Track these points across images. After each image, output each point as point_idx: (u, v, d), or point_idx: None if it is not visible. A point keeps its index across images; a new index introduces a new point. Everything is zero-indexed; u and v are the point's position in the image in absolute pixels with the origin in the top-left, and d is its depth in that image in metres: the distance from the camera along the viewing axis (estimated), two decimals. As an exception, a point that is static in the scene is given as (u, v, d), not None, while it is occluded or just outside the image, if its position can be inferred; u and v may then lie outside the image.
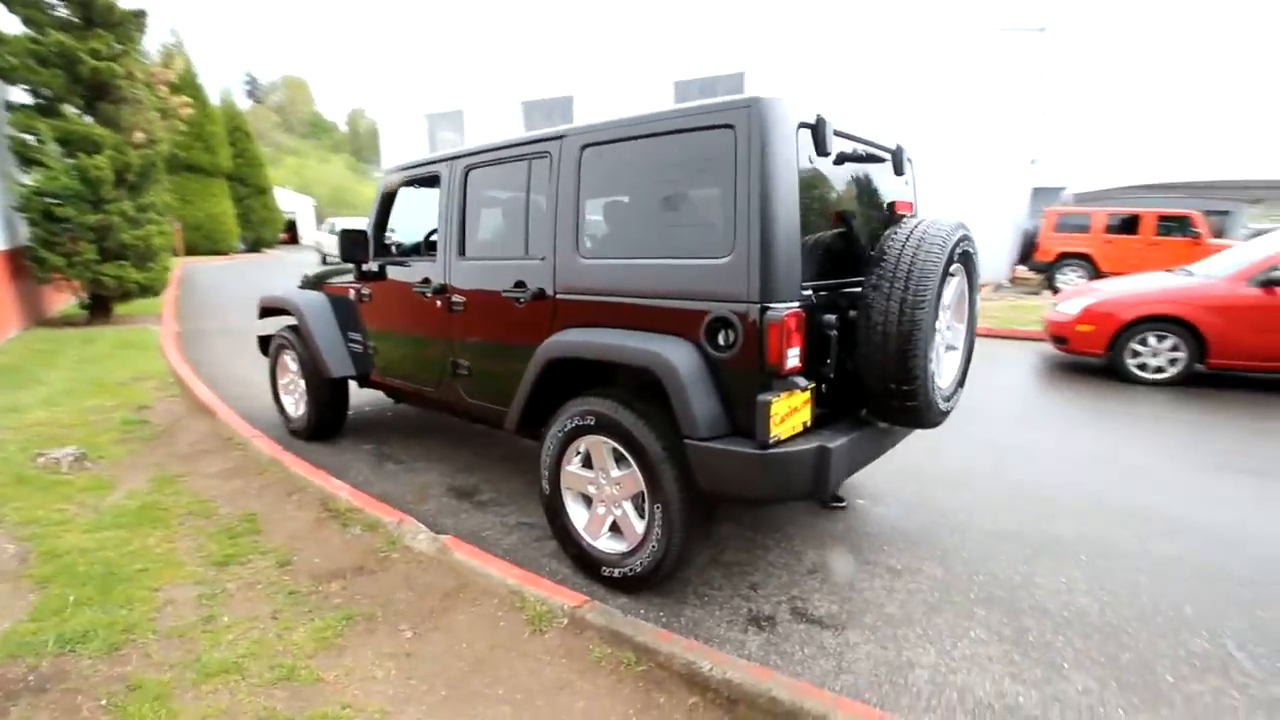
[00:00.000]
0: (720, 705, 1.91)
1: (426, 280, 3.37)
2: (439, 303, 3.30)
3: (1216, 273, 5.67)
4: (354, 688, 2.00)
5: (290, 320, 4.55)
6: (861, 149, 2.64)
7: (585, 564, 2.67)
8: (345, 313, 4.13)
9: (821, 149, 2.32)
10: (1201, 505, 3.39)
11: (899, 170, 2.91)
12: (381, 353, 3.87)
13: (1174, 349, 5.59)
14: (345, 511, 3.13)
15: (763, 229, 2.11)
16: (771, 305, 2.12)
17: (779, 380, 2.15)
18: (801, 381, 2.17)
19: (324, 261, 23.06)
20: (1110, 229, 12.45)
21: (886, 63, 16.86)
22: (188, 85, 20.35)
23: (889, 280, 2.26)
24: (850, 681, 2.07)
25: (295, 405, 4.56)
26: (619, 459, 2.54)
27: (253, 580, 2.60)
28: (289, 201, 37.17)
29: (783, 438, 2.14)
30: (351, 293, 4.01)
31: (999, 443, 4.32)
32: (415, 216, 4.05)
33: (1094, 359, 6.16)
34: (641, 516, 2.52)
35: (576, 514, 2.72)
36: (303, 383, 4.39)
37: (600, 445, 2.57)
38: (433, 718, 1.88)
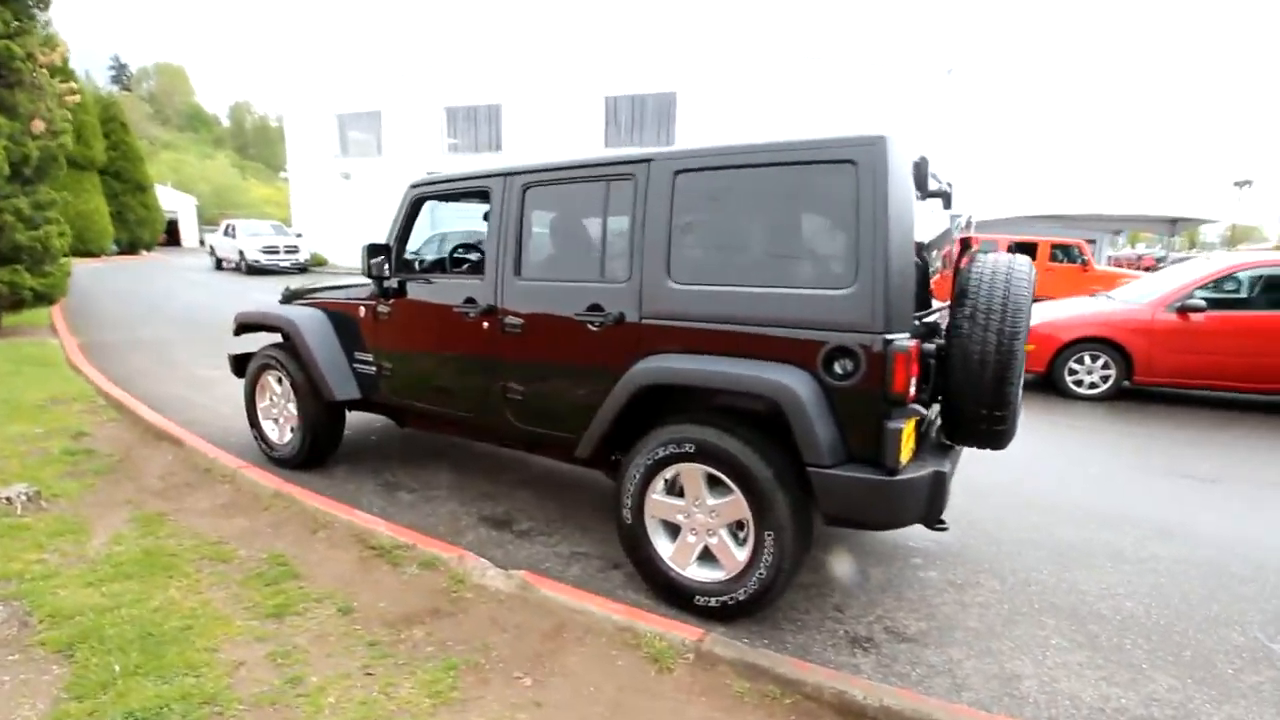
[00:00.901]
0: (879, 730, 1.94)
1: (471, 300, 3.20)
2: (486, 324, 3.15)
3: (1137, 299, 6.43)
4: (498, 745, 1.86)
5: (273, 338, 4.18)
6: (936, 186, 2.79)
7: (673, 594, 2.62)
8: (350, 331, 3.84)
9: (922, 187, 2.44)
10: (1171, 509, 3.82)
11: (948, 205, 3.11)
12: (399, 375, 3.62)
13: (1105, 367, 6.27)
14: (392, 549, 2.90)
15: (887, 262, 2.19)
16: (894, 336, 2.20)
17: (899, 408, 2.23)
18: (920, 409, 2.27)
19: (218, 266, 21.20)
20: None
21: (807, 94, 17.82)
22: (63, 70, 18.19)
23: (985, 312, 2.40)
24: (973, 697, 2.16)
25: (279, 431, 4.17)
26: (713, 486, 2.53)
27: (320, 632, 2.35)
28: (170, 200, 33.95)
29: (904, 463, 2.22)
30: (363, 310, 3.73)
31: (979, 456, 4.66)
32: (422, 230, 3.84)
33: (1034, 376, 6.79)
34: (740, 544, 2.51)
35: (661, 544, 2.67)
36: (292, 406, 4.03)
37: (695, 473, 2.54)
38: (600, 771, 1.78)
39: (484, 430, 3.43)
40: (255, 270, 19.51)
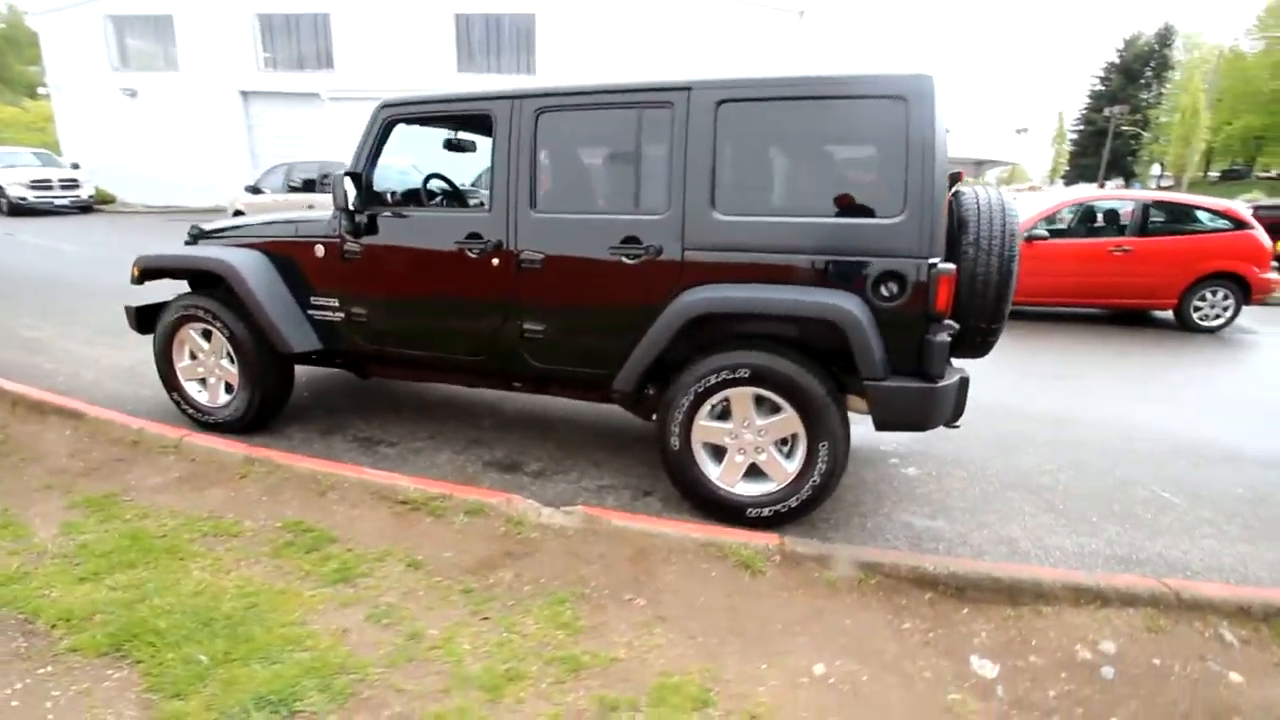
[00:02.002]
0: (952, 594, 2.30)
1: (476, 236, 2.99)
2: (496, 261, 2.98)
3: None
4: (653, 656, 1.94)
5: (181, 287, 3.61)
6: None
7: (723, 511, 2.79)
8: (303, 274, 3.41)
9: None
10: (1055, 403, 4.69)
11: None
12: (376, 321, 3.30)
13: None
14: (427, 501, 2.75)
15: (933, 192, 2.43)
16: (935, 260, 2.47)
17: (937, 325, 2.53)
18: (954, 325, 2.58)
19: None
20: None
21: (667, 30, 17.72)
22: None
23: (987, 239, 2.75)
24: (995, 558, 2.62)
25: (211, 392, 3.65)
26: (759, 407, 2.70)
27: (405, 589, 2.22)
28: None
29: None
30: (320, 249, 3.32)
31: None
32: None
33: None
34: (787, 457, 2.73)
35: (709, 466, 2.81)
36: (226, 363, 3.54)
37: (745, 396, 2.69)
38: (756, 663, 1.95)
39: (489, 373, 3.28)
40: (20, 210, 15.86)
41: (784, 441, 2.74)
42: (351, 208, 3.07)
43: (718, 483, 2.80)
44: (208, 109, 19.63)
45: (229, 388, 3.64)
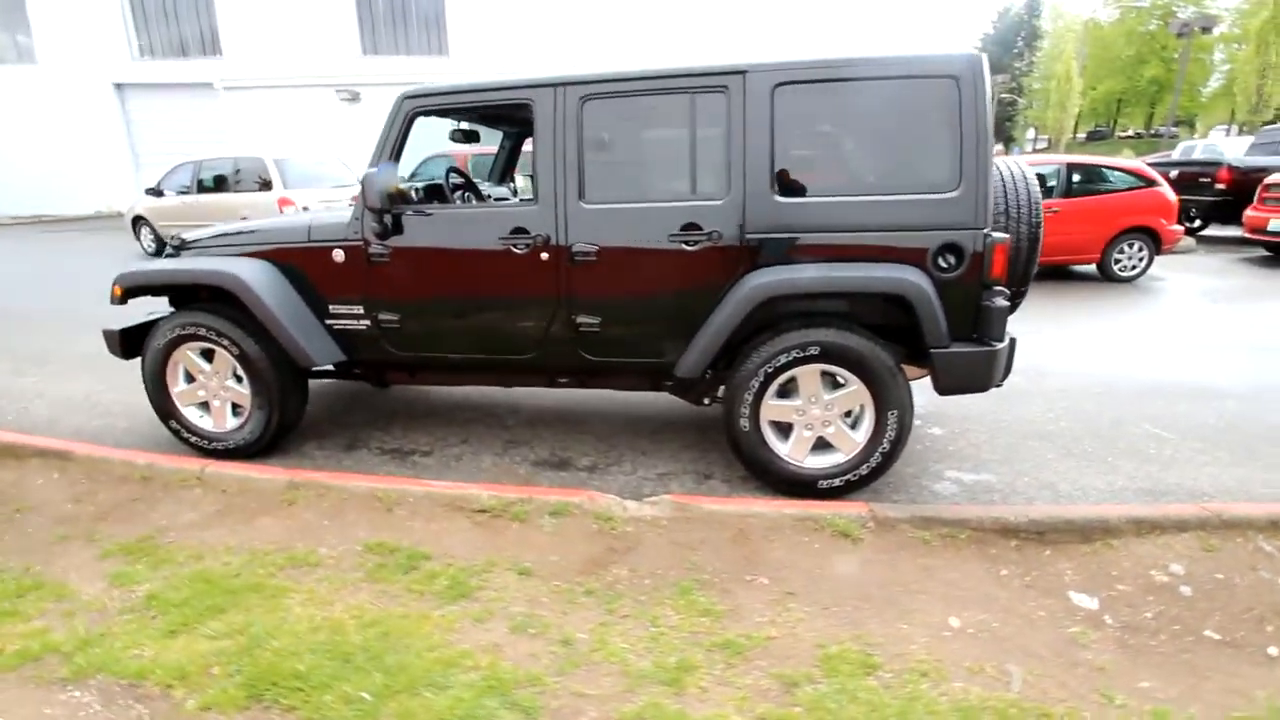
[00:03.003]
0: (1034, 539, 2.48)
1: (521, 231, 2.90)
2: (546, 256, 2.90)
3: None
4: (801, 630, 2.00)
5: (160, 307, 3.33)
6: None
7: (794, 485, 2.88)
8: (318, 282, 3.19)
9: None
10: (1033, 355, 5.07)
11: None
12: (412, 326, 3.13)
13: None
14: (506, 507, 2.67)
15: (986, 166, 2.57)
16: (990, 230, 2.63)
17: (992, 291, 2.70)
18: (1007, 290, 2.76)
19: None
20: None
21: (582, 4, 17.41)
22: None
23: (1015, 208, 2.95)
24: (1044, 500, 2.85)
25: (217, 416, 3.37)
26: (824, 382, 2.80)
27: (529, 597, 2.16)
28: None
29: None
30: (340, 254, 3.12)
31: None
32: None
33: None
34: (854, 428, 2.84)
35: (777, 444, 2.89)
36: (234, 383, 3.28)
37: (813, 373, 2.78)
38: (896, 624, 2.04)
39: (537, 371, 3.20)
40: None
41: (848, 414, 2.85)
42: (382, 207, 2.89)
43: (787, 459, 2.88)
44: (75, 105, 17.57)
45: (236, 410, 3.38)
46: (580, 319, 2.95)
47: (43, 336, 5.92)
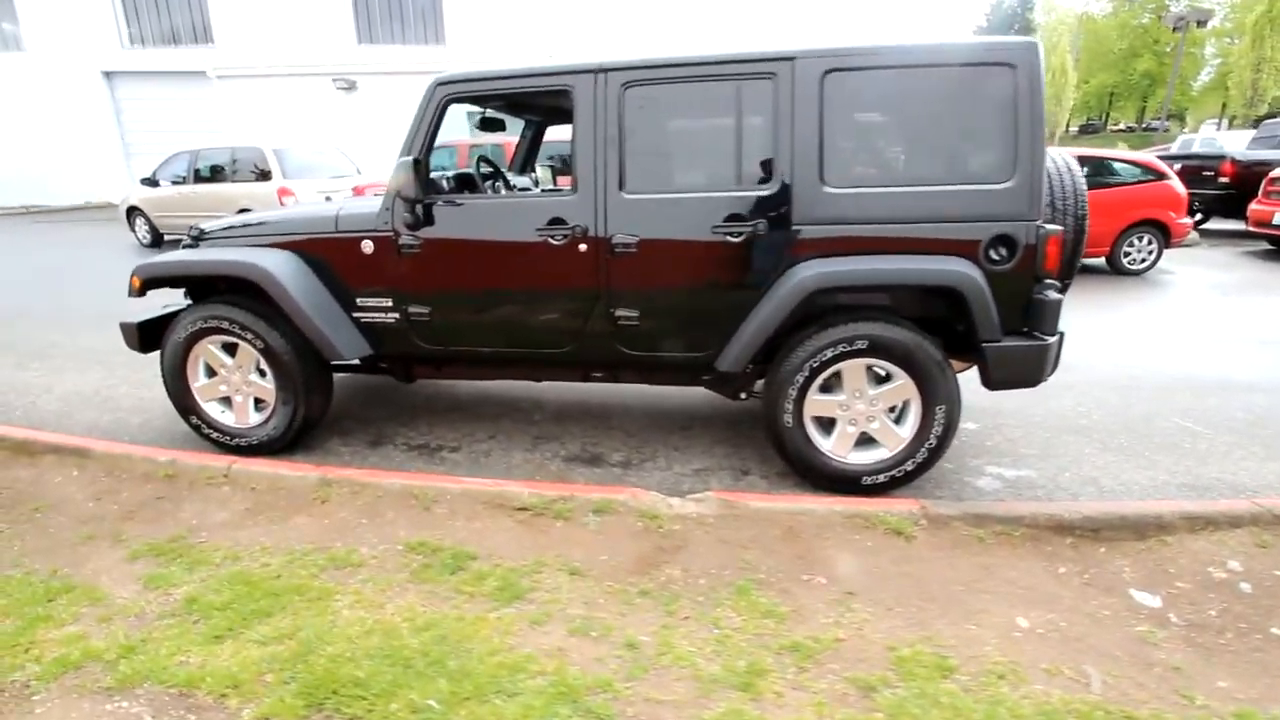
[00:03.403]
0: (1089, 536, 2.45)
1: (559, 221, 2.82)
2: (584, 247, 2.82)
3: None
4: (869, 632, 1.96)
5: (178, 300, 3.27)
6: None
7: (837, 482, 2.83)
8: (345, 274, 3.10)
9: None
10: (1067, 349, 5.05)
11: None
12: (444, 319, 3.05)
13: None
14: (547, 505, 2.61)
15: (1040, 156, 2.52)
16: (1043, 222, 2.58)
17: (1043, 284, 2.65)
18: (1058, 282, 2.71)
19: None
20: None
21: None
22: None
23: (1063, 200, 2.90)
24: (1088, 496, 2.82)
25: (239, 411, 3.28)
26: (870, 377, 2.75)
27: (584, 599, 2.10)
28: None
29: (1050, 330, 2.67)
30: (368, 245, 3.03)
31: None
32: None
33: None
34: (898, 423, 2.80)
35: (820, 440, 2.84)
36: (257, 377, 3.19)
37: (859, 367, 2.72)
38: (964, 625, 2.00)
39: (572, 365, 3.13)
40: None
41: (892, 409, 2.80)
42: (416, 197, 2.80)
43: (831, 455, 2.83)
44: (65, 93, 17.22)
45: (259, 405, 3.29)
46: (619, 312, 2.88)
47: (45, 330, 5.78)
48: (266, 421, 3.23)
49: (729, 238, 2.71)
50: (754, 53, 2.62)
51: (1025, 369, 2.66)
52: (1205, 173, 10.38)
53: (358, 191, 10.21)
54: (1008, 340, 2.62)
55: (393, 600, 2.10)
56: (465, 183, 3.36)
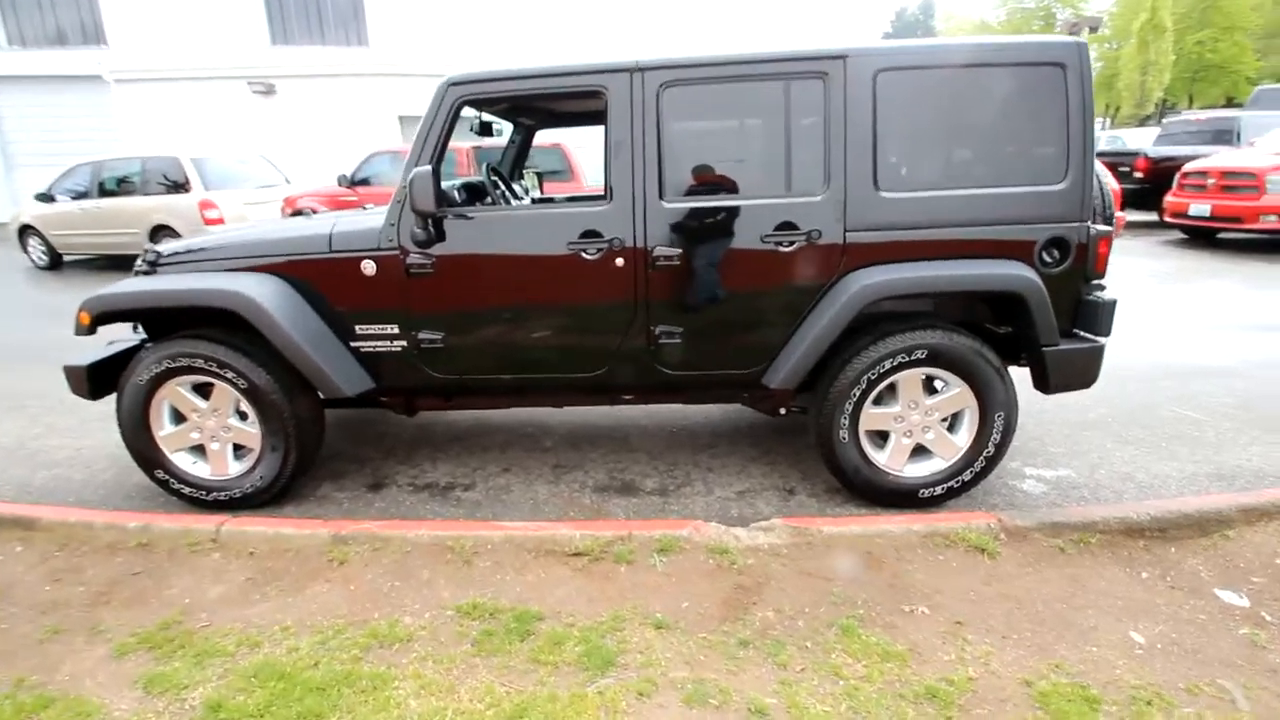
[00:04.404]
0: (1158, 537, 2.43)
1: (593, 234, 2.58)
2: (621, 261, 2.59)
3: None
4: (996, 665, 1.83)
5: (126, 336, 2.84)
6: None
7: (893, 496, 2.73)
8: (337, 299, 2.74)
9: None
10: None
11: None
12: (458, 346, 2.74)
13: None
14: (604, 548, 2.36)
15: (1091, 157, 2.49)
16: (1093, 223, 2.55)
17: (1091, 285, 2.63)
18: (1105, 283, 2.69)
19: None
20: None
21: (515, -6, 16.79)
22: None
23: (1099, 199, 2.90)
24: (1130, 492, 2.83)
25: (216, 461, 2.86)
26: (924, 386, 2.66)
27: (684, 658, 1.87)
28: None
29: (1100, 330, 2.64)
30: (370, 266, 2.68)
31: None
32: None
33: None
34: (954, 432, 2.71)
35: (875, 454, 2.72)
36: (237, 420, 2.80)
37: (915, 377, 2.62)
38: (1084, 647, 1.90)
39: (606, 389, 2.88)
40: None
41: (951, 418, 2.72)
42: (434, 212, 2.49)
43: (886, 468, 2.72)
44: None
45: (239, 452, 2.87)
46: (659, 330, 2.67)
47: (-64, 372, 4.98)
48: (252, 470, 2.81)
49: (780, 247, 2.54)
50: (803, 51, 2.47)
51: (1083, 372, 2.63)
52: (1122, 168, 11.12)
53: (289, 203, 9.51)
54: (1067, 343, 2.58)
55: (463, 681, 1.81)
56: (475, 193, 3.06)
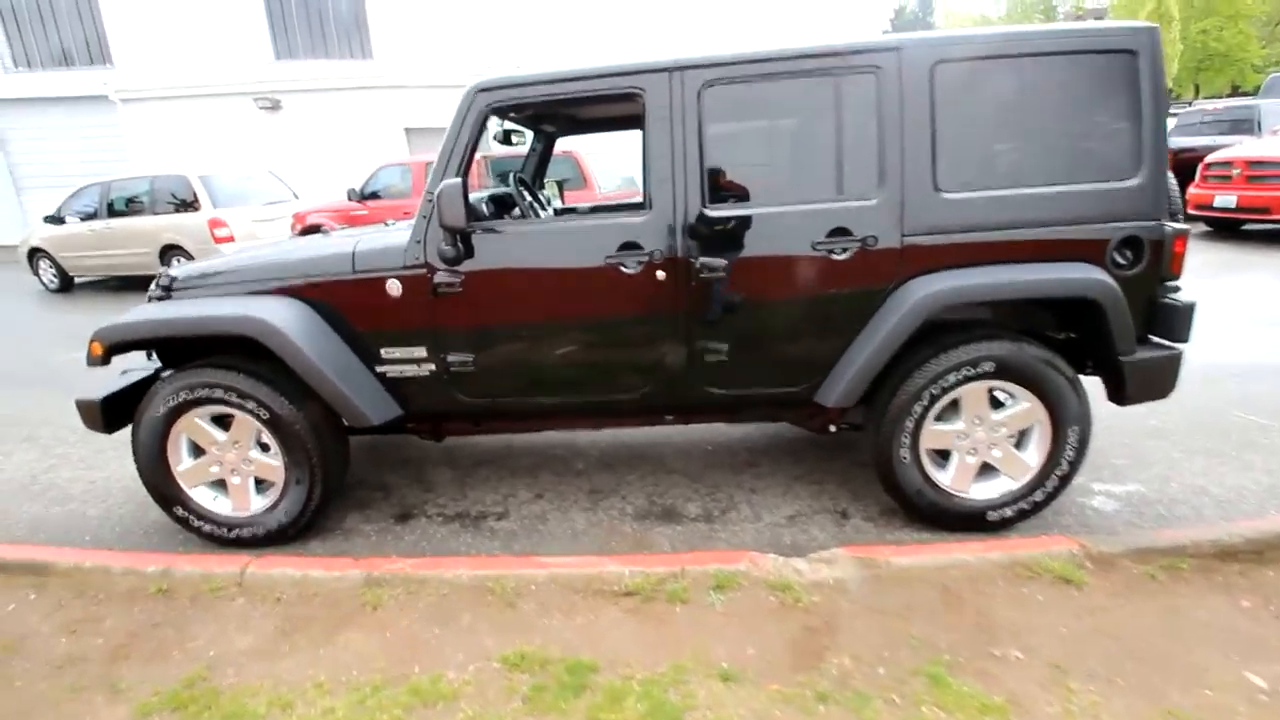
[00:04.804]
0: (1252, 559, 2.23)
1: (633, 246, 2.42)
2: (663, 274, 2.43)
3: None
4: (1108, 716, 1.65)
5: (140, 364, 2.74)
6: None
7: (959, 519, 2.55)
8: (361, 321, 2.59)
9: None
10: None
11: None
12: (490, 368, 2.58)
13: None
14: (656, 586, 2.19)
15: (1165, 150, 2.31)
16: (1167, 221, 2.37)
17: (1166, 288, 2.45)
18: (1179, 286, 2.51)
19: None
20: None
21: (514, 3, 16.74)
22: None
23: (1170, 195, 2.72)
24: (1210, 510, 2.64)
25: (238, 496, 2.71)
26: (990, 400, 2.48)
27: (756, 713, 1.70)
28: None
29: (1177, 336, 2.46)
30: (395, 286, 2.53)
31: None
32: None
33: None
34: (1023, 449, 2.53)
35: (937, 474, 2.54)
36: (258, 453, 2.65)
37: (980, 391, 2.45)
38: (1198, 690, 1.72)
39: (645, 411, 2.72)
40: None
41: (1020, 435, 2.53)
42: (465, 227, 2.33)
43: (951, 489, 2.54)
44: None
45: (261, 485, 2.73)
46: (704, 346, 2.50)
47: (-54, 402, 4.86)
48: (276, 506, 2.66)
49: (832, 254, 2.38)
50: (854, 44, 2.30)
51: (1160, 381, 2.45)
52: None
53: (299, 219, 9.41)
54: (1146, 351, 2.40)
55: (522, 744, 1.65)
56: (501, 206, 2.91)
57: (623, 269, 2.44)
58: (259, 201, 9.55)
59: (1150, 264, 2.38)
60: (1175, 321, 2.40)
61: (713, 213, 2.39)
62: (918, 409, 2.43)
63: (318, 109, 15.24)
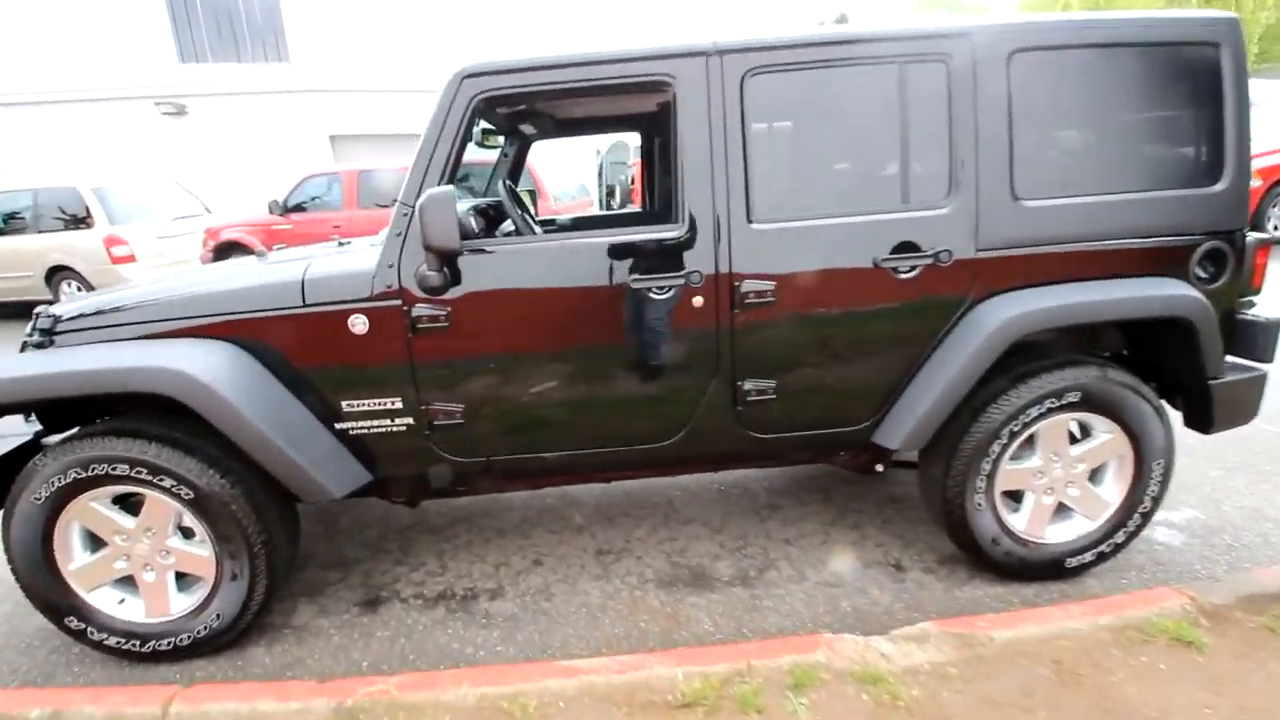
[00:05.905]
0: (1367, 601, 2.02)
1: (663, 267, 1.98)
2: (697, 300, 2.01)
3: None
4: None
5: (21, 428, 2.12)
6: None
7: (1034, 568, 2.24)
8: (315, 368, 2.04)
9: None
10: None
11: None
12: (487, 419, 2.08)
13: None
14: (718, 694, 1.75)
15: (1249, 154, 2.09)
16: (1248, 231, 2.15)
17: (1246, 302, 2.23)
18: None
19: None
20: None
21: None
22: None
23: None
24: (1274, 534, 2.45)
25: (153, 597, 2.09)
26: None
27: None
28: None
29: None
30: (361, 323, 2.00)
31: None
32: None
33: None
34: (1098, 485, 2.25)
35: (1010, 518, 2.23)
36: (179, 542, 2.05)
37: (1060, 425, 2.15)
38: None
39: (676, 462, 2.28)
40: None
41: (1096, 470, 2.25)
42: (457, 248, 1.83)
43: (1026, 535, 2.23)
44: None
45: (183, 580, 2.12)
46: (748, 384, 2.09)
47: None
48: (204, 607, 2.06)
49: (898, 273, 2.02)
50: (919, 30, 1.97)
51: (1246, 406, 2.22)
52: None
53: (211, 234, 8.47)
54: (1234, 374, 2.17)
55: None
56: (489, 220, 2.41)
57: (651, 294, 2.00)
58: (165, 216, 8.52)
59: (1233, 277, 2.14)
60: (1259, 339, 2.18)
61: (756, 227, 1.99)
62: (995, 448, 2.10)
63: (229, 114, 14.05)
